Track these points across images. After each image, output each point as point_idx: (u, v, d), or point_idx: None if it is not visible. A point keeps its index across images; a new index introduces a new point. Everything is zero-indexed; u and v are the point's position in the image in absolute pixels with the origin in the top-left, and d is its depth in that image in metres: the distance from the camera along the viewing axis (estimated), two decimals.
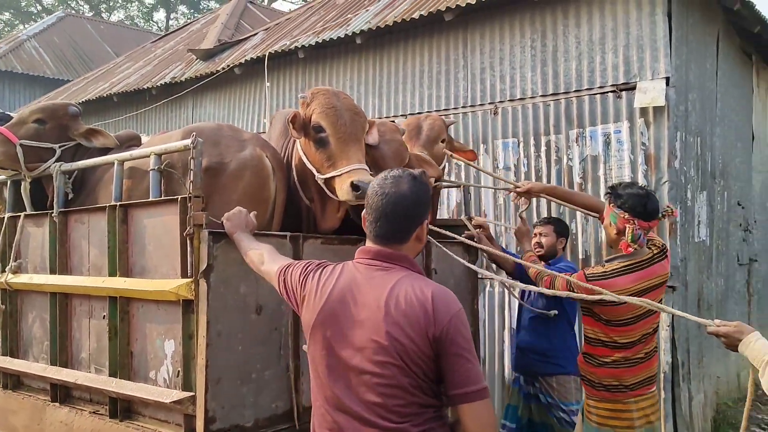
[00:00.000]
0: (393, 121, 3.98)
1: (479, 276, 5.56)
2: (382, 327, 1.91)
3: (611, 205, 3.25)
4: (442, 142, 3.86)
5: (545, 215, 5.21)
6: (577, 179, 5.38)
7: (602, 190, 5.23)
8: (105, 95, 9.92)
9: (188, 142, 2.69)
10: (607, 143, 5.23)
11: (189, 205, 2.64)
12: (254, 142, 2.99)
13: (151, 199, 2.93)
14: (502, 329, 5.79)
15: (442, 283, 3.72)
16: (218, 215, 2.65)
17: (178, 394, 2.68)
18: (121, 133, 3.62)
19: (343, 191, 2.76)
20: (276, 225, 3.03)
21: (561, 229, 4.30)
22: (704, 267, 5.79)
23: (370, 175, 2.76)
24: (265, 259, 2.42)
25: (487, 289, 5.73)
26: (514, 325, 4.90)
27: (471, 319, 4.17)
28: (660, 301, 3.32)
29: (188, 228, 2.61)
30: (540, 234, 4.24)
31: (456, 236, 3.56)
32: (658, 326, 3.37)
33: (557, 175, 5.49)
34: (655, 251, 3.24)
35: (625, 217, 3.18)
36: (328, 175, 2.82)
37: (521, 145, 5.71)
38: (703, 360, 5.65)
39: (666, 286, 3.36)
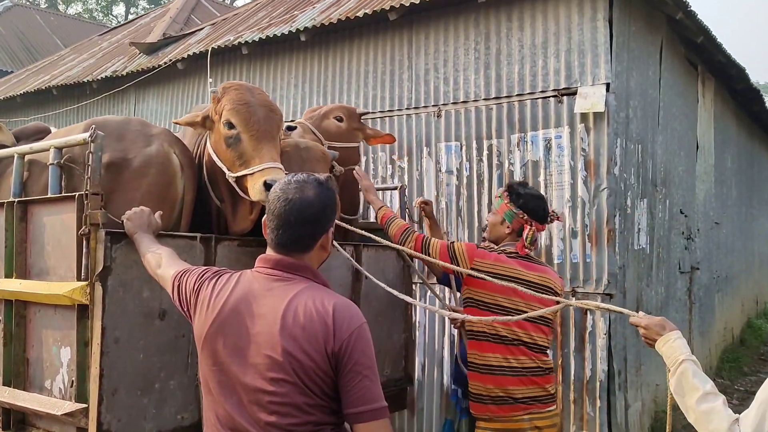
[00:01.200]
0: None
1: (419, 281, 5.52)
2: (277, 341, 1.78)
3: (509, 203, 3.18)
4: (339, 120, 3.90)
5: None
6: None
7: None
8: (44, 87, 9.54)
9: (87, 135, 2.51)
10: (548, 148, 5.18)
11: (86, 202, 2.47)
12: (163, 137, 2.82)
13: (50, 195, 2.74)
14: (443, 336, 5.70)
15: (374, 288, 3.65)
16: (120, 214, 2.50)
17: (71, 406, 2.50)
18: (29, 126, 3.43)
19: (255, 191, 2.62)
20: (184, 226, 2.86)
21: None
22: (644, 274, 5.79)
23: (285, 175, 2.64)
24: (163, 262, 2.26)
25: (428, 294, 5.61)
26: (455, 332, 4.78)
27: (404, 324, 4.07)
28: (550, 324, 3.20)
29: (83, 227, 2.44)
30: None
31: (384, 242, 3.44)
32: (549, 347, 3.20)
33: (498, 179, 5.42)
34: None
35: (525, 218, 3.13)
36: (239, 174, 2.68)
37: (464, 148, 5.62)
38: (641, 368, 5.65)
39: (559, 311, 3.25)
